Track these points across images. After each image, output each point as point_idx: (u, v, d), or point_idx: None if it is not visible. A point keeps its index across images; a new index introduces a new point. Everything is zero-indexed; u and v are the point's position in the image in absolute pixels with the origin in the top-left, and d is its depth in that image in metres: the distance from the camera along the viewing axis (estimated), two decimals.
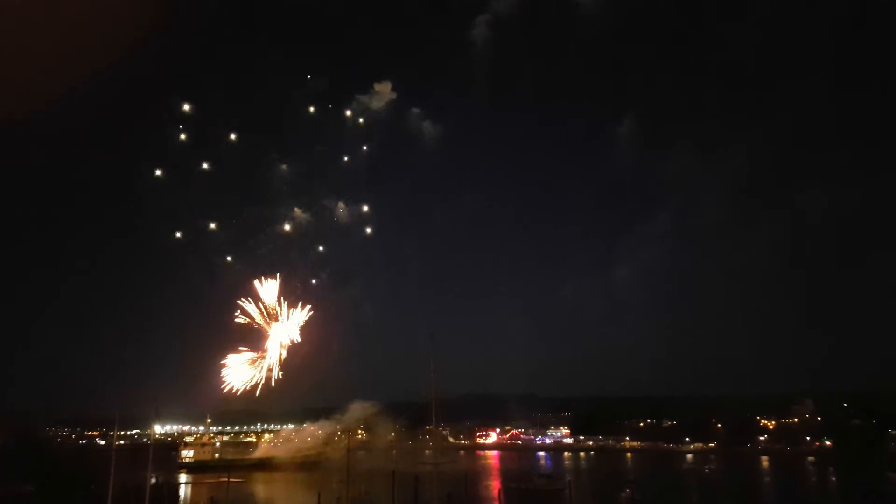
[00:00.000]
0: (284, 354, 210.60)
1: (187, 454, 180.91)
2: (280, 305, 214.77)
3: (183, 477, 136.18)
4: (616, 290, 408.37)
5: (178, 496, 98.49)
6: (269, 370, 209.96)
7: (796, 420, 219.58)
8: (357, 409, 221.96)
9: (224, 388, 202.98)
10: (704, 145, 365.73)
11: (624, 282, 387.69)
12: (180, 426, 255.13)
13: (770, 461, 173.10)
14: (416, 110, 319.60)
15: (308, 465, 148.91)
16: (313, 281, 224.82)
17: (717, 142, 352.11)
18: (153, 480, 62.42)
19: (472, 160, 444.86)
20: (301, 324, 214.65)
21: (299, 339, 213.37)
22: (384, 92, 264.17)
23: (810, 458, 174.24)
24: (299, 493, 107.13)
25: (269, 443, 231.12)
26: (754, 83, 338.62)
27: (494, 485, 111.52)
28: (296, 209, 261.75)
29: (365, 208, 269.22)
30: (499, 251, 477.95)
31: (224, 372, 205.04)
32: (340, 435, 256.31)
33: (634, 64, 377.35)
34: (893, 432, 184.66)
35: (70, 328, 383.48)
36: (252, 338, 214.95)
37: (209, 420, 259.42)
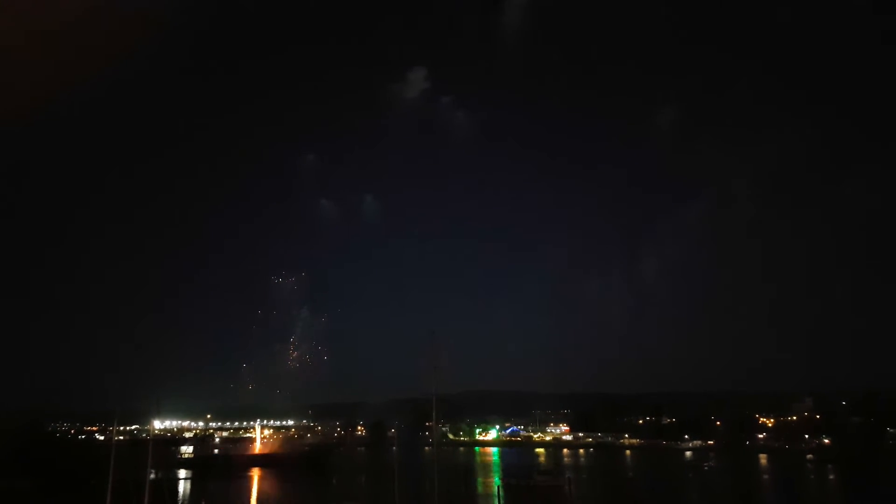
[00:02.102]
0: (301, 351, 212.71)
1: (187, 450, 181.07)
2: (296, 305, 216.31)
3: (182, 472, 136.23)
4: (623, 289, 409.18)
5: (177, 492, 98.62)
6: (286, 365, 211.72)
7: (795, 418, 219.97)
8: (371, 404, 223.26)
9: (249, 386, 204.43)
10: (737, 139, 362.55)
11: (632, 281, 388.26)
12: (180, 422, 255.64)
13: (769, 459, 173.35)
14: (446, 99, 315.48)
15: (310, 461, 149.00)
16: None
17: (751, 135, 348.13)
18: (153, 476, 62.34)
19: (499, 149, 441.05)
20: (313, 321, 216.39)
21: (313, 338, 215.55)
22: (417, 80, 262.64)
23: (809, 456, 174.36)
24: (299, 487, 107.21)
25: (270, 439, 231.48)
26: (792, 74, 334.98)
27: (494, 481, 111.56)
28: (322, 200, 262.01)
29: (381, 200, 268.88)
30: (512, 246, 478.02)
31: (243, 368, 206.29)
32: (340, 431, 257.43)
33: (669, 55, 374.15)
34: (892, 430, 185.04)
35: (70, 323, 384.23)
36: (260, 334, 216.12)
37: (209, 416, 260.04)
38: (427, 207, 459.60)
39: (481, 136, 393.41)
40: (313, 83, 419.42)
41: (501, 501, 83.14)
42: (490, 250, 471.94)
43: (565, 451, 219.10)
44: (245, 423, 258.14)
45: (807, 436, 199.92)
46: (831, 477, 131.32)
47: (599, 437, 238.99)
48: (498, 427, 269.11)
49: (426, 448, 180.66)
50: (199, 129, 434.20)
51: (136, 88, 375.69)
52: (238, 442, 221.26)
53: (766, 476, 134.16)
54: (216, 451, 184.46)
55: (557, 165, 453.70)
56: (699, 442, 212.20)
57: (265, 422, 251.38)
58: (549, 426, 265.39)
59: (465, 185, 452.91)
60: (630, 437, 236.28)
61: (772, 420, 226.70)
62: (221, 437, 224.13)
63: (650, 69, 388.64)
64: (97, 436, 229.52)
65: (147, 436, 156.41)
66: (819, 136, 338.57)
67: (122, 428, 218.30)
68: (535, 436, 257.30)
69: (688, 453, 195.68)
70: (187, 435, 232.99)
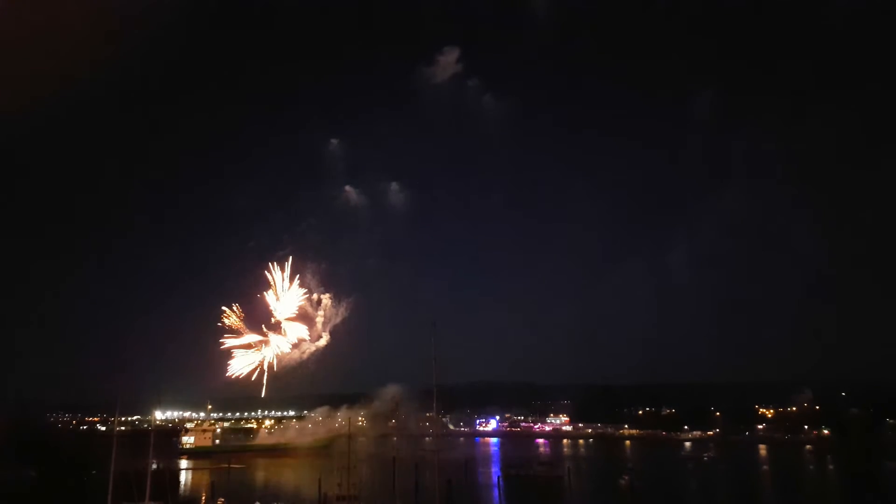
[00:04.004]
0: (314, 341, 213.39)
1: (188, 440, 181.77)
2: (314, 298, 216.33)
3: (184, 463, 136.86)
4: (623, 282, 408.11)
5: (178, 482, 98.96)
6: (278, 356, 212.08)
7: (794, 409, 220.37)
8: (389, 393, 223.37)
9: (234, 372, 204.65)
10: (774, 125, 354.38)
11: (634, 275, 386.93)
12: (181, 412, 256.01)
13: (768, 449, 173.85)
14: (474, 82, 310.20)
15: (311, 451, 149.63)
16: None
17: (789, 122, 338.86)
18: (154, 466, 62.56)
19: (528, 135, 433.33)
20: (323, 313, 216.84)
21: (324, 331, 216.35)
22: (448, 64, 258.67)
23: (808, 447, 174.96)
24: (299, 478, 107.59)
25: (271, 429, 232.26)
26: (835, 60, 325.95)
27: (494, 471, 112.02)
28: (347, 188, 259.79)
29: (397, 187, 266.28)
30: (519, 238, 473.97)
31: (230, 358, 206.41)
32: (342, 422, 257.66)
33: (706, 39, 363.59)
34: (891, 421, 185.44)
35: (71, 314, 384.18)
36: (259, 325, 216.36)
37: (210, 406, 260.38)
38: (447, 196, 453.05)
39: (510, 121, 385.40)
40: (339, 65, 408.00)
41: (501, 491, 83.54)
42: (498, 242, 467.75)
43: (565, 441, 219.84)
44: (246, 414, 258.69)
45: (806, 427, 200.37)
46: (830, 467, 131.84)
47: (599, 427, 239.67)
48: (498, 418, 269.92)
49: (427, 438, 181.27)
50: (218, 112, 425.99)
51: (149, 73, 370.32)
52: (239, 432, 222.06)
53: (764, 467, 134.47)
54: (217, 441, 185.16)
55: (583, 153, 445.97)
56: (699, 433, 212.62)
57: (265, 412, 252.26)
58: (549, 417, 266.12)
59: (488, 172, 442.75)
60: (630, 427, 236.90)
61: (771, 411, 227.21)
62: (223, 428, 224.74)
63: (685, 55, 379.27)
64: (99, 426, 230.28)
65: (148, 426, 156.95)
66: (853, 127, 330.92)
67: (123, 419, 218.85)
68: (536, 426, 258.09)
69: (687, 444, 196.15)
70: (188, 425, 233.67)
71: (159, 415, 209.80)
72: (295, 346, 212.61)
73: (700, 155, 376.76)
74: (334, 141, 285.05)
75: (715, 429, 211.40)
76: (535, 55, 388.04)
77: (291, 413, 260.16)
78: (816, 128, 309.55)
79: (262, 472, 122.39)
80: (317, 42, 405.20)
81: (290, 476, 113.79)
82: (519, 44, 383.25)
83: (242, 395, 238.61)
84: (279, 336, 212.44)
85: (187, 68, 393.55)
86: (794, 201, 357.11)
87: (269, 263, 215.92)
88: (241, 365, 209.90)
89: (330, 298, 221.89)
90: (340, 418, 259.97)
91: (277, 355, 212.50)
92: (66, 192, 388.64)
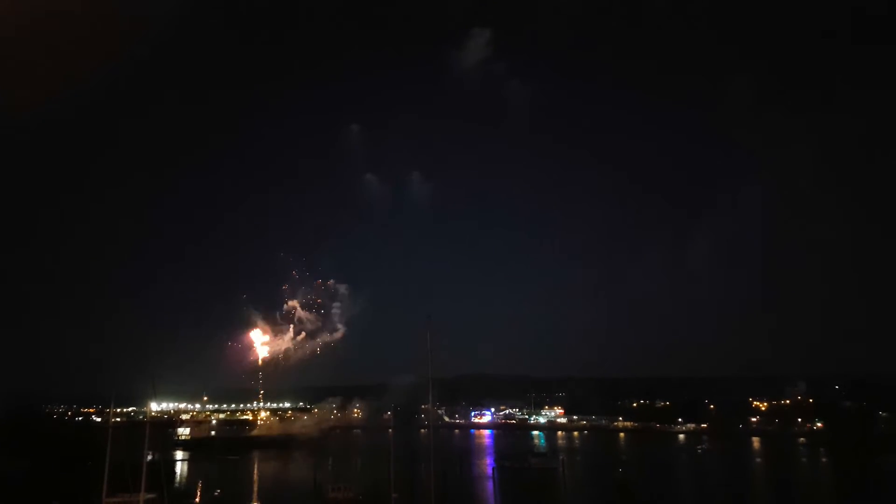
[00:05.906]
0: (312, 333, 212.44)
1: (184, 431, 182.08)
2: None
3: (180, 454, 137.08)
4: (620, 276, 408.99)
5: (174, 473, 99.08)
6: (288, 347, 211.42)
7: (788, 402, 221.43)
8: (368, 387, 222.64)
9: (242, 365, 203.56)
10: (797, 112, 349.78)
11: (629, 268, 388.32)
12: (177, 404, 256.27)
13: (762, 442, 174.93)
14: (500, 66, 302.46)
15: (307, 443, 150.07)
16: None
17: (813, 110, 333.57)
18: (150, 457, 62.53)
19: (551, 122, 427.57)
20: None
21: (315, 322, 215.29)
22: (478, 47, 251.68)
23: (801, 440, 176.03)
24: (296, 471, 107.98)
25: (267, 420, 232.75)
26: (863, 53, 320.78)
27: (488, 463, 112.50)
28: (367, 175, 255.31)
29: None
30: (522, 231, 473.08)
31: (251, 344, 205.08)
32: (337, 413, 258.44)
33: (732, 29, 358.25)
34: (883, 414, 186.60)
35: (66, 305, 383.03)
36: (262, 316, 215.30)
37: (206, 398, 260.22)
38: (458, 186, 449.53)
39: (534, 108, 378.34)
40: (360, 48, 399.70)
41: (496, 483, 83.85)
42: (501, 234, 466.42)
43: (560, 433, 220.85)
44: (242, 405, 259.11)
45: (800, 419, 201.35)
46: (823, 460, 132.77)
47: (594, 419, 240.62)
48: (493, 410, 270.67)
49: (422, 430, 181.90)
50: (233, 101, 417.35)
51: (169, 54, 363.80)
52: (235, 424, 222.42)
53: (758, 460, 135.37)
54: (213, 432, 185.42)
55: (603, 145, 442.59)
56: (693, 425, 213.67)
57: (261, 404, 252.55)
58: (544, 409, 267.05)
59: (505, 160, 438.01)
60: (624, 420, 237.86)
61: (765, 404, 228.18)
62: (218, 419, 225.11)
63: (710, 44, 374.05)
64: (94, 418, 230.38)
65: (144, 418, 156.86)
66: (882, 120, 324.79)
67: (118, 410, 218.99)
68: (531, 419, 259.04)
69: (681, 436, 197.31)
70: (184, 417, 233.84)
71: (155, 406, 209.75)
72: (307, 337, 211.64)
73: (717, 150, 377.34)
74: (355, 127, 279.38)
75: (709, 421, 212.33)
76: (561, 41, 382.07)
77: (287, 405, 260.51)
78: (845, 121, 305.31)
79: (258, 464, 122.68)
80: (338, 23, 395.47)
81: (287, 468, 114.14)
82: (546, 30, 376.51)
83: (239, 386, 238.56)
84: (292, 328, 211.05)
85: (199, 58, 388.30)
86: (796, 197, 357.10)
87: (284, 255, 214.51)
88: (249, 357, 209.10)
89: (348, 290, 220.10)
90: (336, 410, 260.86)
91: (289, 347, 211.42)
92: (66, 189, 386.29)
